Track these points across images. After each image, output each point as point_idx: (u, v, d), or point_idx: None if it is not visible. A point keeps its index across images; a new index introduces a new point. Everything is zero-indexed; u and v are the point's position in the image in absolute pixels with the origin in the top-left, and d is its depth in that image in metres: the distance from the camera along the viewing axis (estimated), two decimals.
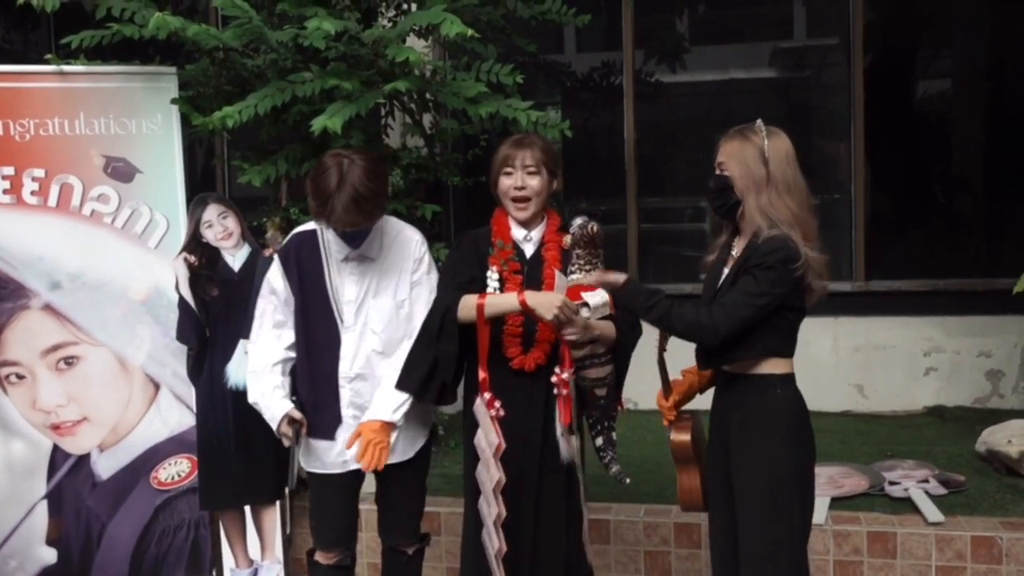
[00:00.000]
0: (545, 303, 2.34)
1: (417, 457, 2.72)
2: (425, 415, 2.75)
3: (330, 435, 2.64)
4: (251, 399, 2.75)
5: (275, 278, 2.69)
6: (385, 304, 2.58)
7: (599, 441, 2.53)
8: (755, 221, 2.23)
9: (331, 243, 2.61)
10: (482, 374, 2.42)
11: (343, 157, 2.47)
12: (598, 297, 2.39)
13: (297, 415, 2.63)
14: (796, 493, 2.26)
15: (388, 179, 2.69)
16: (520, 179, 2.48)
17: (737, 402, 2.29)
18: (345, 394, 2.62)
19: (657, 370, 2.48)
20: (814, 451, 2.34)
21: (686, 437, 2.40)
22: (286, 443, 2.66)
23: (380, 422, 2.53)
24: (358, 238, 2.54)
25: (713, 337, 2.22)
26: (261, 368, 2.72)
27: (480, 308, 2.40)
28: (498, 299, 2.43)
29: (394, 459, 2.64)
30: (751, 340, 2.24)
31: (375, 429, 2.51)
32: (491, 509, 2.43)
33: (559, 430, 2.45)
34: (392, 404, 2.55)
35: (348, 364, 2.60)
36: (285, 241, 2.77)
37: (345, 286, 2.59)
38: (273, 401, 2.67)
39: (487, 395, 2.41)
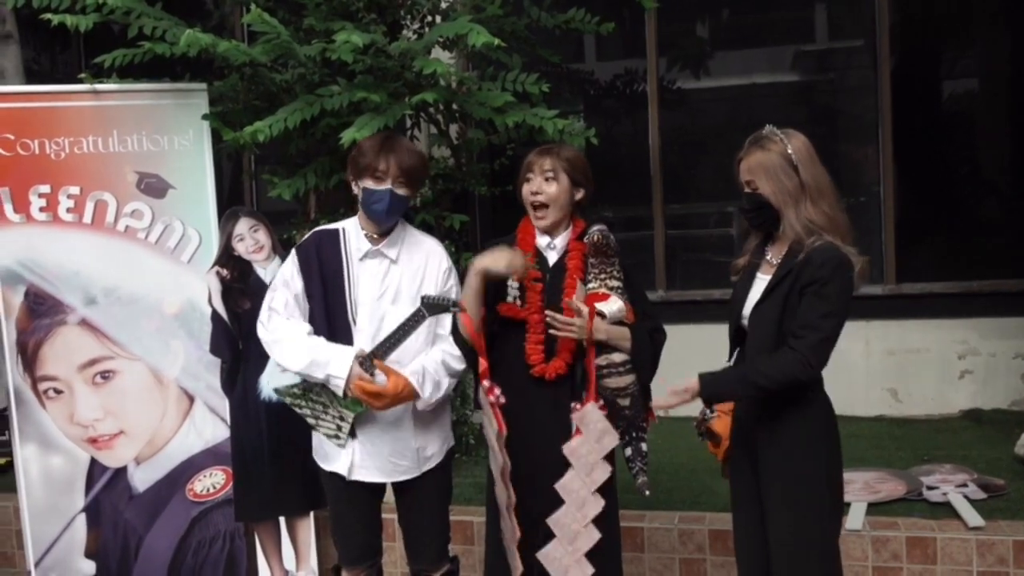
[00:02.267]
0: (490, 259, 2.36)
1: (434, 474, 2.63)
2: (441, 428, 2.66)
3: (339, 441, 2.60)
4: (298, 365, 2.50)
5: (289, 272, 2.61)
6: (403, 312, 2.51)
7: (627, 452, 2.49)
8: (796, 231, 2.22)
9: (352, 241, 2.56)
10: (483, 363, 2.41)
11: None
12: (613, 306, 2.36)
13: (365, 350, 2.45)
14: (827, 498, 2.25)
15: (427, 167, 2.66)
16: (537, 184, 2.46)
17: (766, 408, 2.26)
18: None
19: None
20: (841, 457, 2.32)
21: (726, 431, 2.39)
22: (366, 390, 2.44)
23: (411, 388, 2.47)
24: (390, 212, 2.49)
25: (811, 375, 2.18)
26: (295, 334, 2.52)
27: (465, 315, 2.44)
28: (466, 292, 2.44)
29: (407, 475, 2.59)
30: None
31: (401, 389, 2.44)
32: (502, 495, 2.42)
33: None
34: (428, 388, 2.50)
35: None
36: (304, 238, 2.69)
37: (362, 287, 2.53)
38: (332, 352, 2.47)
39: (486, 383, 2.40)
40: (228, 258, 3.42)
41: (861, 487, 3.68)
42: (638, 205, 5.55)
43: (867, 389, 5.06)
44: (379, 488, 2.66)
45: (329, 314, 2.55)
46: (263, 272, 3.42)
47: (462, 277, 2.58)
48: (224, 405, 3.48)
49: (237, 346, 3.42)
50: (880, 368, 5.09)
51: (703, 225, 5.65)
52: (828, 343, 2.15)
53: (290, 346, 2.53)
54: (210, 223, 3.51)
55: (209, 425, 3.51)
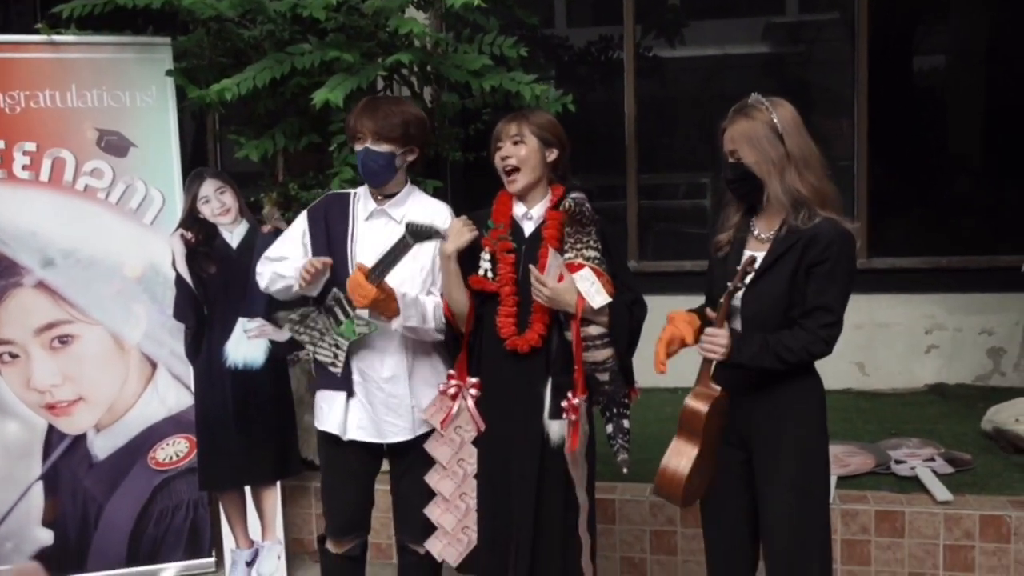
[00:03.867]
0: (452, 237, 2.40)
1: (428, 434, 2.58)
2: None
3: (347, 389, 2.57)
4: (264, 283, 2.61)
5: (298, 231, 2.62)
6: (404, 269, 2.49)
7: (608, 428, 2.46)
8: (781, 202, 2.18)
9: (360, 203, 2.59)
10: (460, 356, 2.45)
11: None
12: (584, 274, 2.33)
13: (320, 262, 2.47)
14: (825, 473, 2.26)
15: (427, 127, 2.62)
16: (507, 149, 2.44)
17: (763, 383, 2.21)
18: (352, 361, 2.56)
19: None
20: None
21: (704, 408, 2.14)
22: (305, 279, 2.45)
23: (394, 300, 2.44)
24: (370, 170, 2.49)
25: (825, 354, 2.17)
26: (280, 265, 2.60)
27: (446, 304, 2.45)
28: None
29: (401, 436, 2.56)
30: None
31: (388, 291, 2.41)
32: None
33: (546, 413, 2.40)
34: (411, 312, 2.46)
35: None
36: (317, 200, 2.73)
37: (363, 246, 2.54)
38: (294, 268, 2.54)
39: (464, 380, 2.46)
40: (193, 221, 3.33)
41: (831, 460, 3.67)
42: (611, 174, 5.50)
43: (835, 362, 4.82)
44: (374, 458, 2.64)
45: (334, 276, 2.54)
46: (229, 236, 3.35)
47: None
48: (188, 372, 3.41)
49: (202, 311, 3.34)
50: (849, 341, 4.90)
51: (676, 196, 5.63)
52: (841, 323, 2.16)
53: (275, 266, 2.61)
54: (174, 184, 3.42)
55: (172, 392, 3.44)
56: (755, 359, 2.14)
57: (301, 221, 2.63)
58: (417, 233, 2.42)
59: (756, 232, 2.28)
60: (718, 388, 2.19)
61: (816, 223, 2.15)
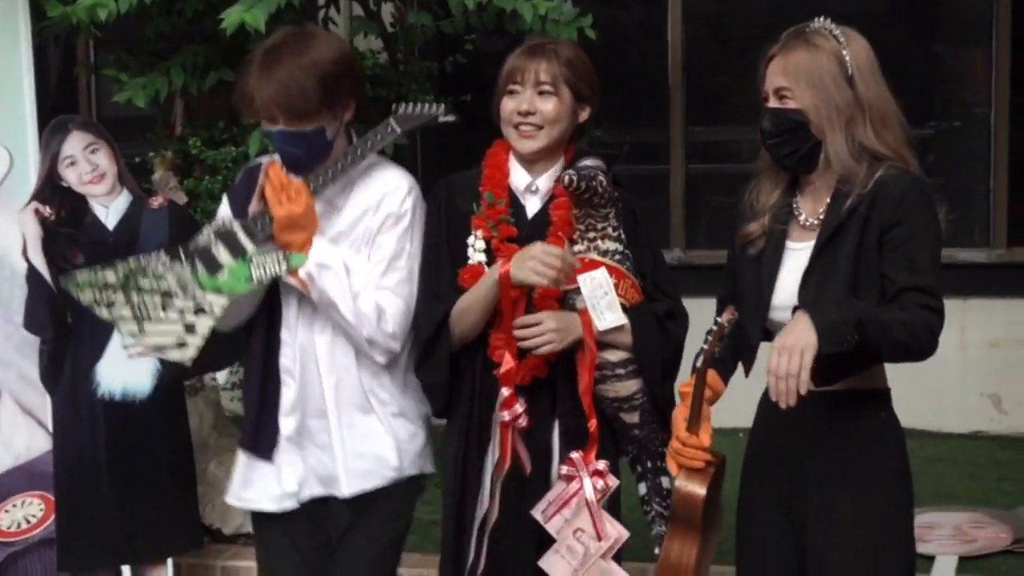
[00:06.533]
0: (518, 267, 2.31)
1: (378, 502, 2.56)
2: (400, 425, 2.59)
3: (267, 454, 2.56)
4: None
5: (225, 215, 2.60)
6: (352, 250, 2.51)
7: (641, 488, 2.47)
8: (842, 162, 2.17)
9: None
10: (508, 362, 2.37)
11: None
12: (597, 276, 2.34)
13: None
14: (906, 552, 2.26)
15: (357, 67, 2.60)
16: (528, 101, 2.41)
17: (821, 432, 2.22)
18: (288, 394, 2.54)
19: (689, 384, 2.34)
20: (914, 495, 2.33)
21: (701, 492, 2.24)
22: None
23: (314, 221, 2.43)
24: (309, 156, 2.46)
25: (933, 347, 2.09)
26: None
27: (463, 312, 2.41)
28: (473, 290, 2.41)
29: (336, 488, 2.55)
30: None
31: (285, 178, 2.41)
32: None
33: (554, 468, 2.43)
34: (329, 280, 2.43)
35: (291, 348, 2.52)
36: (238, 177, 2.70)
37: None
38: None
39: (505, 391, 2.38)
40: (52, 190, 3.31)
41: (950, 534, 3.70)
42: (648, 128, 5.51)
43: (960, 395, 5.11)
44: (321, 531, 2.62)
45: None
46: (103, 212, 3.32)
47: None
48: (45, 404, 3.41)
49: (64, 319, 3.32)
50: (979, 366, 5.12)
51: (738, 158, 5.63)
52: (943, 308, 2.10)
53: None
54: (26, 138, 3.45)
55: (22, 432, 3.46)
56: (843, 326, 2.00)
57: (223, 211, 2.60)
58: (409, 118, 2.39)
59: (802, 217, 2.26)
60: (714, 458, 2.26)
61: (877, 176, 2.15)
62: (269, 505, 2.58)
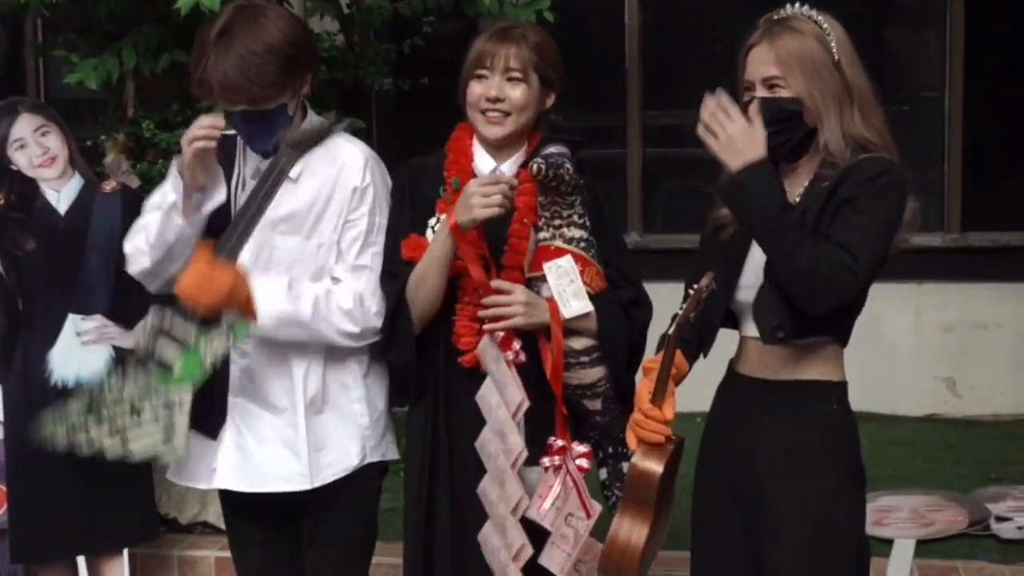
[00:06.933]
0: (462, 208, 2.30)
1: (344, 495, 2.56)
2: (353, 414, 2.57)
3: (212, 432, 2.53)
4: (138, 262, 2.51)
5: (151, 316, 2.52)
6: (292, 244, 2.48)
7: (602, 473, 2.47)
8: (836, 147, 2.16)
9: (245, 151, 2.53)
10: (477, 273, 2.34)
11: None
12: (563, 264, 2.33)
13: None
14: (855, 546, 2.26)
15: (311, 40, 2.58)
16: (497, 87, 2.39)
17: (769, 422, 2.23)
18: (234, 372, 2.51)
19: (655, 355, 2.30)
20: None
21: (658, 469, 2.20)
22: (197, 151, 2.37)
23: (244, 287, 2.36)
24: (272, 130, 2.44)
25: (853, 278, 2.07)
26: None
27: (419, 277, 2.37)
28: (426, 255, 2.39)
29: (291, 486, 2.51)
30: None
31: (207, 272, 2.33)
32: (505, 538, 2.36)
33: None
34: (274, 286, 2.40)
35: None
36: None
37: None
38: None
39: (499, 333, 2.34)
40: (2, 174, 3.27)
41: (908, 517, 3.73)
42: (605, 111, 5.50)
43: (915, 378, 5.15)
44: (271, 512, 2.59)
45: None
46: (55, 197, 3.28)
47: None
48: None
49: (15, 306, 3.30)
50: (934, 349, 5.17)
51: (695, 142, 5.64)
52: (858, 280, 2.09)
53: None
54: None
55: None
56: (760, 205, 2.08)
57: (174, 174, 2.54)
58: (300, 142, 2.34)
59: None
60: (673, 438, 2.22)
61: (861, 158, 2.15)
62: (203, 484, 2.56)
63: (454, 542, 2.44)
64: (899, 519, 3.70)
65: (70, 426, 2.44)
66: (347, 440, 2.56)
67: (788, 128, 2.18)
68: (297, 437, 2.53)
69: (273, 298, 2.38)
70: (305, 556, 2.64)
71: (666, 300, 2.49)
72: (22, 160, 3.27)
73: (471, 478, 2.41)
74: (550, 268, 2.33)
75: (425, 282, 2.38)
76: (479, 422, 2.40)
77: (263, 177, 2.41)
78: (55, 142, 3.30)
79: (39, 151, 3.28)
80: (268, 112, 2.44)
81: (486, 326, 2.34)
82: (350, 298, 2.44)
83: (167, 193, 2.44)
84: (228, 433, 2.54)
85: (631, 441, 2.23)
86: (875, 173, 2.12)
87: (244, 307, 2.37)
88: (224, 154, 2.52)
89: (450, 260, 2.35)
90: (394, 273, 2.44)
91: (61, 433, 2.45)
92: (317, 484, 2.52)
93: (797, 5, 2.23)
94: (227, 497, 2.63)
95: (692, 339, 2.32)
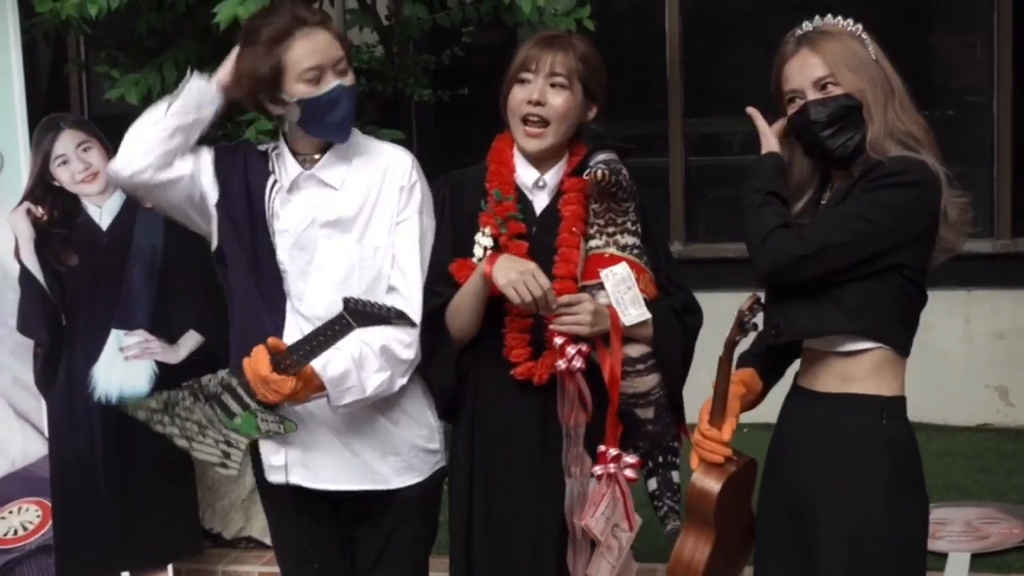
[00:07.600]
0: (503, 270, 2.28)
1: (403, 512, 2.54)
2: (410, 430, 2.54)
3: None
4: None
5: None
6: (346, 249, 2.45)
7: (652, 484, 2.46)
8: (880, 145, 2.16)
9: (281, 163, 2.51)
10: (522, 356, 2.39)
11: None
12: (619, 272, 2.32)
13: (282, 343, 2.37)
14: (902, 565, 2.20)
15: (349, 49, 2.57)
16: (539, 91, 2.38)
17: (817, 436, 2.22)
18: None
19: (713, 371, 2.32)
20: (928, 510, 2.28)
21: (715, 487, 2.24)
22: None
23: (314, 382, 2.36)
24: (344, 118, 2.41)
25: (789, 250, 2.11)
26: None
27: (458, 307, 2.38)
28: (463, 288, 2.39)
29: (350, 484, 2.50)
30: (850, 307, 2.14)
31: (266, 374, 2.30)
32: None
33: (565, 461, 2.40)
34: (347, 386, 2.37)
35: (295, 325, 2.47)
36: (232, 143, 2.68)
37: (283, 215, 2.48)
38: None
39: (558, 340, 2.34)
40: (45, 190, 3.32)
41: (962, 530, 3.69)
42: (646, 120, 5.48)
43: (965, 387, 5.10)
44: (330, 517, 2.59)
45: (256, 259, 2.49)
46: (97, 212, 3.32)
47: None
48: (40, 408, 3.41)
49: (59, 321, 3.32)
50: (984, 357, 5.12)
51: (737, 150, 5.63)
52: (832, 248, 2.12)
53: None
54: (17, 138, 3.42)
55: (17, 437, 3.45)
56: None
57: (206, 155, 2.54)
58: (362, 315, 2.29)
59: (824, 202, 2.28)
60: (737, 457, 2.25)
61: (895, 155, 2.15)
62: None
63: (492, 556, 2.45)
64: (953, 532, 3.66)
65: (147, 412, 2.50)
66: (406, 453, 2.54)
67: (850, 124, 2.19)
68: (376, 440, 2.51)
69: (343, 392, 2.38)
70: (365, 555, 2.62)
71: (709, 310, 2.50)
72: (64, 176, 3.33)
73: (507, 491, 2.43)
74: (607, 276, 2.33)
75: (461, 314, 2.41)
76: (516, 434, 2.43)
77: (327, 326, 2.33)
78: (97, 158, 3.35)
79: (81, 167, 3.33)
80: (353, 88, 2.43)
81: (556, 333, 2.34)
82: (406, 337, 2.43)
83: (202, 106, 2.52)
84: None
85: (693, 460, 2.27)
86: (889, 171, 2.13)
87: (302, 399, 2.37)
88: (255, 163, 2.53)
89: (485, 297, 2.36)
90: (436, 291, 2.44)
91: (141, 414, 2.51)
92: (372, 488, 2.51)
93: (827, 17, 2.25)
94: (277, 493, 2.58)
95: (761, 353, 2.34)
